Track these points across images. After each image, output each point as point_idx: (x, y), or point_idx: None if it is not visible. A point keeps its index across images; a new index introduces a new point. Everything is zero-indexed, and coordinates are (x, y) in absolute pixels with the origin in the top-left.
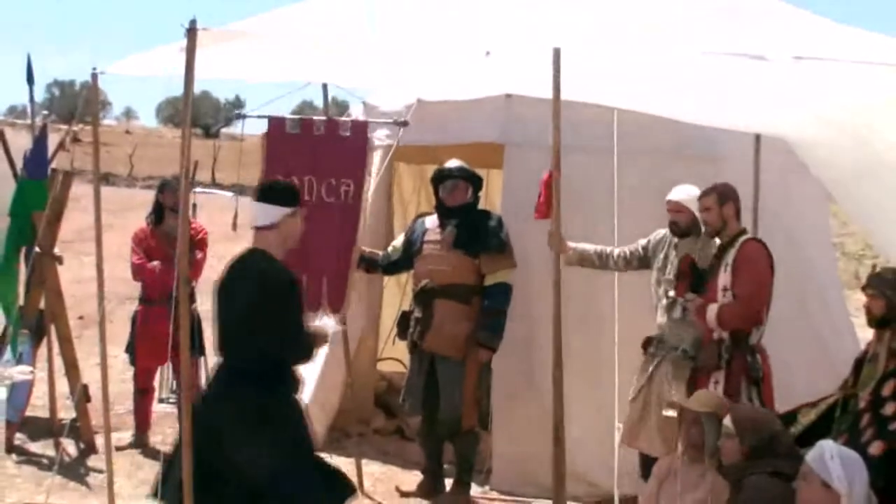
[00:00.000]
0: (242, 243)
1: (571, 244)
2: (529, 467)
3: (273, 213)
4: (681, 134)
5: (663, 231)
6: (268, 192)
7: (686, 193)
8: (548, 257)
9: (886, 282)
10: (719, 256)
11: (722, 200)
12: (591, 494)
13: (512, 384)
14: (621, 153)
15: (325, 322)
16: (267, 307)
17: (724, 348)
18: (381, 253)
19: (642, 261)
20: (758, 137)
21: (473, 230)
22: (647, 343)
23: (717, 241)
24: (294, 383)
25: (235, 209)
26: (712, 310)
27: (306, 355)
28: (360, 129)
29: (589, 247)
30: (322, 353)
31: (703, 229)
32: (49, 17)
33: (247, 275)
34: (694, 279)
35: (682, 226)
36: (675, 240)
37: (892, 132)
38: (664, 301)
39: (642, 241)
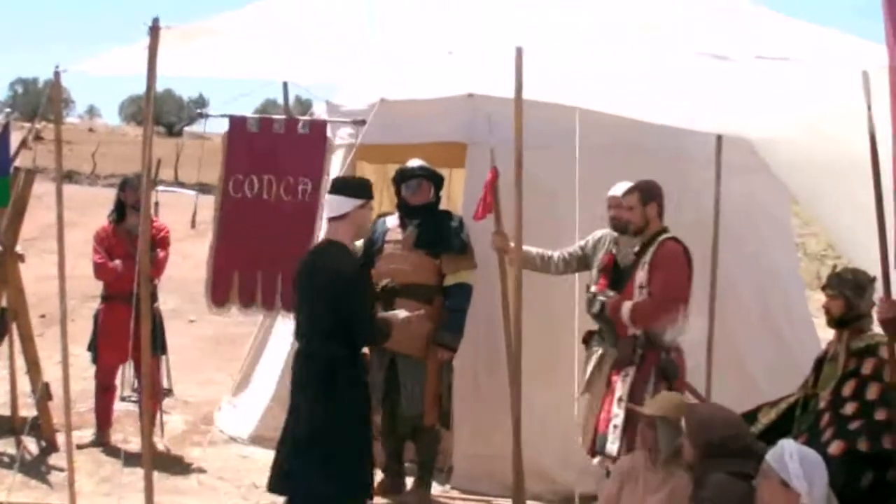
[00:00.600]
0: (202, 241)
1: (513, 245)
2: (490, 466)
3: (345, 204)
4: (643, 133)
5: (601, 231)
6: (340, 185)
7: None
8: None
9: (845, 282)
10: (639, 254)
11: (645, 200)
12: (553, 492)
13: (473, 383)
14: (583, 152)
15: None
16: (340, 295)
17: (638, 343)
18: None
19: (581, 261)
20: (719, 138)
21: (435, 230)
22: (588, 337)
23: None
24: (364, 368)
25: (195, 207)
26: (626, 307)
27: (382, 337)
28: (319, 127)
29: (532, 249)
30: (284, 349)
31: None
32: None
33: (321, 265)
34: (614, 276)
35: (624, 221)
36: (615, 237)
37: (850, 132)
38: (587, 296)
39: (580, 242)
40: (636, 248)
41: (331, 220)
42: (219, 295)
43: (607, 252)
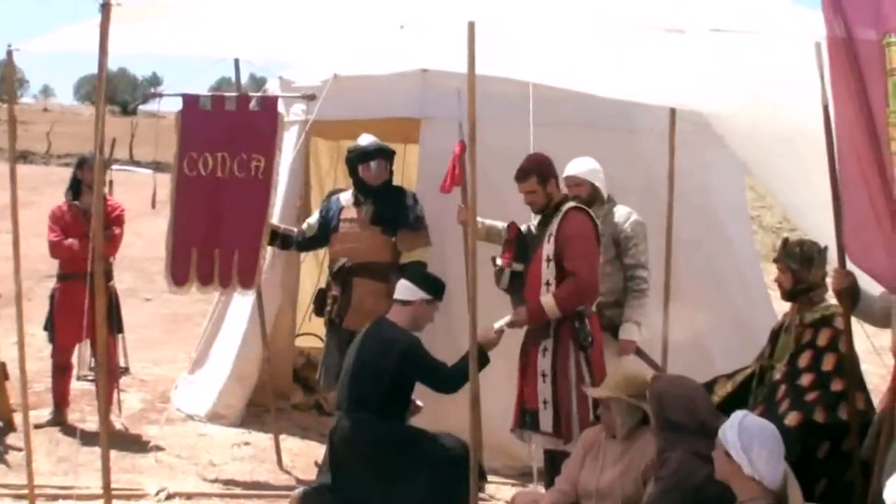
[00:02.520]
0: (157, 220)
1: (479, 220)
2: None
3: (414, 292)
4: (596, 107)
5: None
6: (416, 274)
7: (584, 166)
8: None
9: (792, 255)
10: (542, 225)
11: (543, 180)
12: (510, 467)
13: None
14: (536, 125)
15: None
16: (392, 366)
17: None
18: (296, 230)
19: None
20: (673, 111)
21: (390, 207)
22: None
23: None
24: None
25: (154, 187)
26: (548, 302)
27: (460, 383)
28: (270, 104)
29: (497, 223)
30: (241, 327)
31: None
32: None
33: (374, 340)
34: (519, 248)
35: (584, 199)
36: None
37: (804, 103)
38: (494, 269)
39: (532, 222)
40: (538, 220)
41: (395, 301)
42: (179, 274)
43: (512, 223)
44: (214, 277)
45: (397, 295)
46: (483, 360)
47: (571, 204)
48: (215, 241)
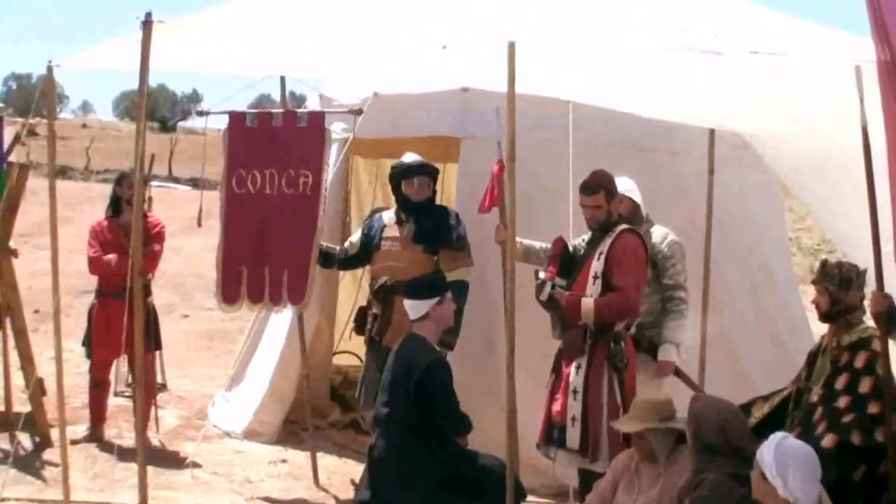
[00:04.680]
0: (200, 237)
1: (518, 239)
2: None
3: (422, 306)
4: (635, 128)
5: None
6: (412, 290)
7: (625, 183)
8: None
9: (830, 277)
10: (593, 243)
11: (609, 196)
12: (547, 486)
13: (469, 380)
14: (576, 146)
15: None
16: (413, 389)
17: (588, 333)
18: (337, 248)
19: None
20: (712, 132)
21: (433, 226)
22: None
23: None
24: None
25: (200, 204)
26: (588, 304)
27: (461, 429)
28: (317, 119)
29: (536, 243)
30: (279, 344)
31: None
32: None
33: (400, 359)
34: (563, 263)
35: (625, 216)
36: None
37: (843, 126)
38: (536, 282)
39: (578, 239)
40: (589, 237)
41: (413, 321)
42: (229, 292)
43: (558, 238)
44: (265, 295)
45: (411, 316)
46: (467, 428)
47: (625, 226)
48: (265, 258)
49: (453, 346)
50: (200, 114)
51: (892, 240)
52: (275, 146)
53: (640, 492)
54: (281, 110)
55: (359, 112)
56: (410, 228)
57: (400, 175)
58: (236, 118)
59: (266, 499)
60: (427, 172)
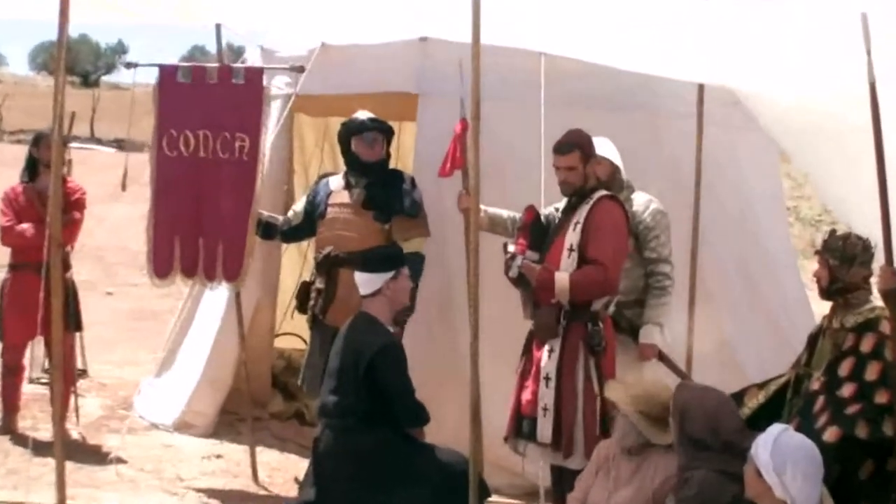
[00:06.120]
0: (124, 206)
1: (482, 207)
2: None
3: (375, 280)
4: (615, 83)
5: None
6: (367, 262)
7: (603, 143)
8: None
9: (834, 249)
10: (568, 212)
11: (585, 158)
12: (515, 486)
13: (427, 366)
14: (548, 104)
15: None
16: (362, 374)
17: (562, 314)
18: (280, 217)
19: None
20: (701, 87)
21: (384, 191)
22: None
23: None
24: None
25: (125, 168)
26: (561, 279)
27: (417, 420)
28: (255, 76)
29: (503, 212)
30: (214, 325)
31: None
32: None
33: (349, 342)
34: (535, 235)
35: (602, 180)
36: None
37: (847, 81)
38: (505, 257)
39: (550, 208)
40: (563, 205)
41: (363, 297)
42: (161, 265)
43: (529, 206)
44: (199, 269)
45: (362, 291)
46: (423, 419)
47: (603, 192)
48: (199, 229)
49: (404, 324)
50: (128, 66)
51: None
52: (208, 105)
53: (617, 486)
54: (216, 65)
55: (301, 70)
56: (360, 193)
57: (351, 131)
58: (168, 72)
59: (199, 497)
60: (381, 129)
